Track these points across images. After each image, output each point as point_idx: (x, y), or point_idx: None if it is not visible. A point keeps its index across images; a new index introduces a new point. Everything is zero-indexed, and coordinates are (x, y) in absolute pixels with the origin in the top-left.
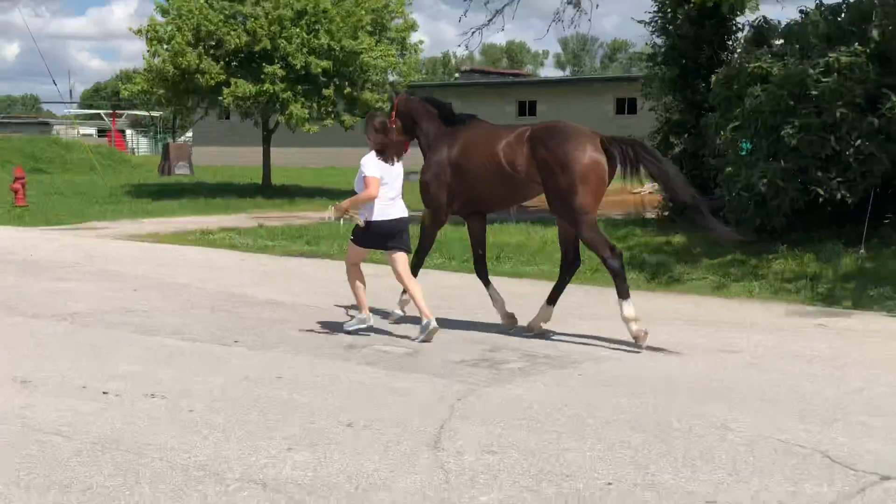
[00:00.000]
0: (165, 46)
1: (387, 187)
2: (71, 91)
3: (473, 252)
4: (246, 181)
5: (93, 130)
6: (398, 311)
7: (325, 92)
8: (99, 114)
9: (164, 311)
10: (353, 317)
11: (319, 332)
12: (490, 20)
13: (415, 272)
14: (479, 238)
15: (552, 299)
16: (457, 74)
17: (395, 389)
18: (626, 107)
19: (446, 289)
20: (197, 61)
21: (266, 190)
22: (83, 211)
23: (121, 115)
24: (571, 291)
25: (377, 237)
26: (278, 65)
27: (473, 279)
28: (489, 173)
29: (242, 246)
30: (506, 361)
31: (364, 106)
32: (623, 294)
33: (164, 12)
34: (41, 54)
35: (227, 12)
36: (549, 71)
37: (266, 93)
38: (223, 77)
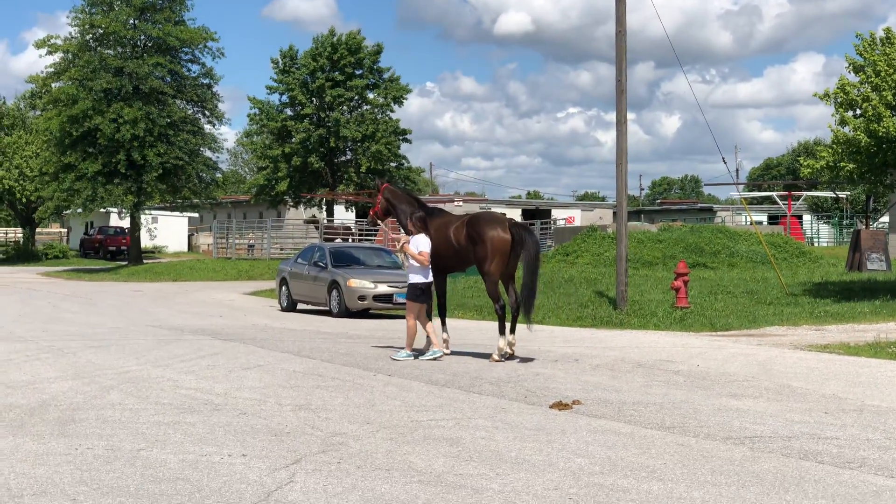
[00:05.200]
0: (857, 112)
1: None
2: (738, 170)
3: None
4: None
5: (762, 217)
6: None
7: None
8: (771, 196)
9: (864, 441)
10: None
11: None
12: None
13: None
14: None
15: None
16: None
17: None
18: None
19: None
20: None
21: None
22: (754, 313)
23: (798, 198)
24: None
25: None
26: None
27: None
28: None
29: None
30: None
31: None
32: (500, 330)
33: (857, 70)
34: (709, 127)
35: None
36: None
37: None
38: None
